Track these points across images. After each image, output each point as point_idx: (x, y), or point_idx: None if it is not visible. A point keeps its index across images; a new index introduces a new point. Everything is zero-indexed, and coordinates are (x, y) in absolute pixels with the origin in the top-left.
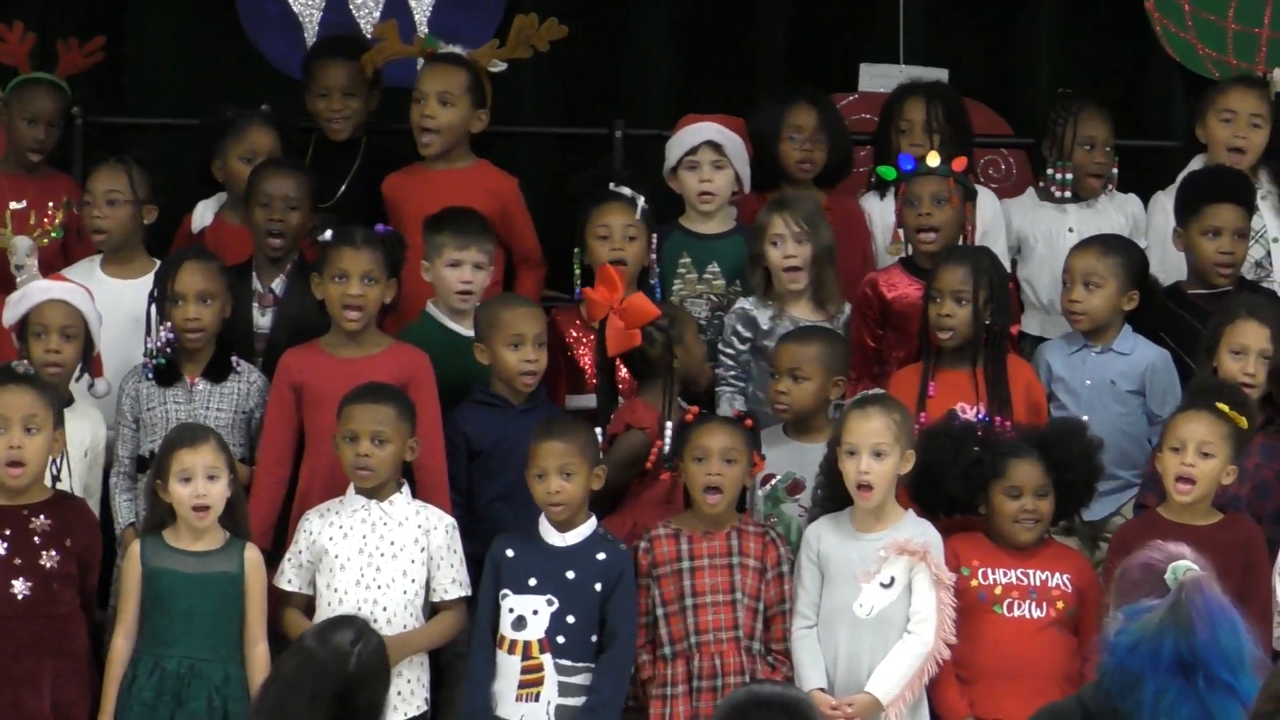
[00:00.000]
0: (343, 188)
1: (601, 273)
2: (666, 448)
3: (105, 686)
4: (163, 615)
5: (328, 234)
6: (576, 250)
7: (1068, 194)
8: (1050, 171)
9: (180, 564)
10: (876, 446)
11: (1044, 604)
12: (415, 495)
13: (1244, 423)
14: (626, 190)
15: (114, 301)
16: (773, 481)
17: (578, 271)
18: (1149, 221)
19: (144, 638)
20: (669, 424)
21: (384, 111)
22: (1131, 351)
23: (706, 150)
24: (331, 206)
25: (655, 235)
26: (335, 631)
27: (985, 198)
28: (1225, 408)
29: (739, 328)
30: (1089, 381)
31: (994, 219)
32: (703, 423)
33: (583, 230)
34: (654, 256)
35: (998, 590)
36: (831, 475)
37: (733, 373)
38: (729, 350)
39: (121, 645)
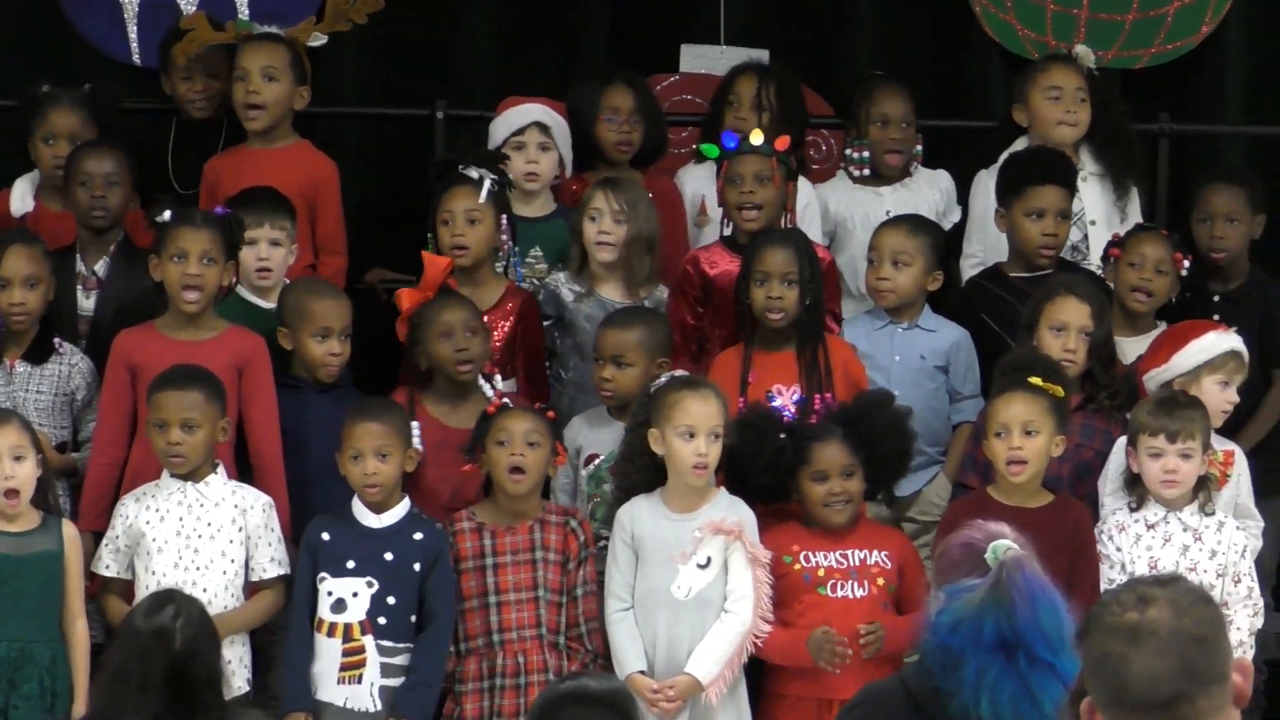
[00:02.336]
0: None
1: (425, 262)
2: (415, 443)
3: None
4: None
5: (166, 214)
6: (430, 235)
7: (866, 172)
8: (849, 152)
9: (1, 546)
10: (714, 429)
11: (865, 582)
12: (252, 479)
13: (1060, 392)
14: (474, 172)
15: None
16: (596, 461)
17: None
18: (971, 201)
19: None
20: (414, 423)
21: None
22: (937, 329)
23: (534, 131)
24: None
25: (506, 217)
26: (155, 613)
27: (799, 183)
28: (1038, 381)
29: (542, 305)
30: (898, 357)
31: (808, 207)
32: (505, 410)
33: (432, 215)
34: (504, 238)
35: (821, 572)
36: (640, 457)
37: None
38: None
39: None
